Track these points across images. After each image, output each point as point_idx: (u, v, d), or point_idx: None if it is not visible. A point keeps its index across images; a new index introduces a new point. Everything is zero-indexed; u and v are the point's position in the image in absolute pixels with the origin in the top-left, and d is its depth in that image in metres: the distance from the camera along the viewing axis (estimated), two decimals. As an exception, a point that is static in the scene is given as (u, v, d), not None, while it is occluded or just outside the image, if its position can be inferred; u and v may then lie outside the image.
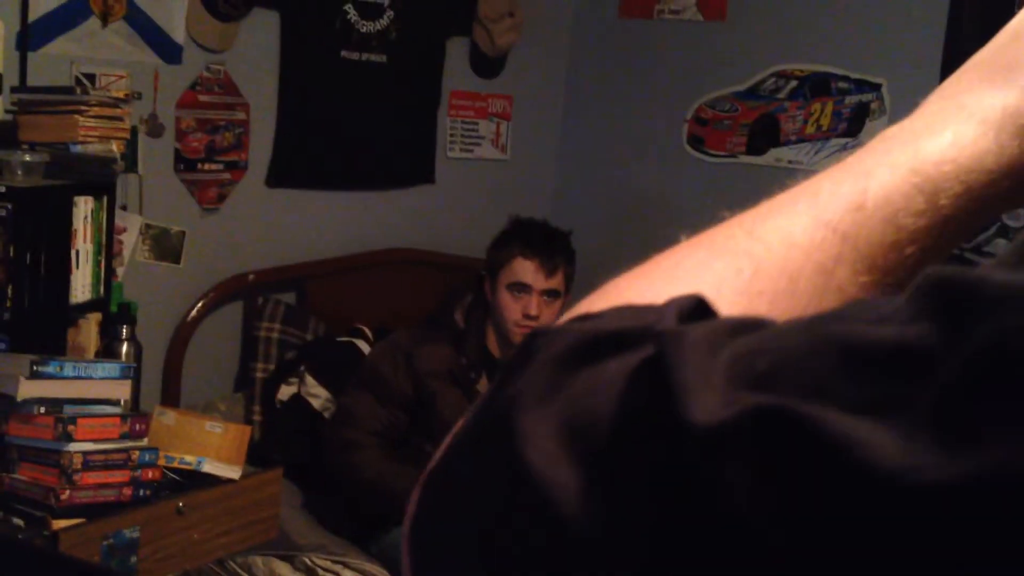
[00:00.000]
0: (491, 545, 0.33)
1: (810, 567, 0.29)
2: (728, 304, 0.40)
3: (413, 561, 0.37)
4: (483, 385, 2.75)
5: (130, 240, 2.86)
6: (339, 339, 3.12)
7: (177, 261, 3.00)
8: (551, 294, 2.76)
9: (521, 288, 2.73)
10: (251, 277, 3.13)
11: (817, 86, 3.31)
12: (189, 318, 3.01)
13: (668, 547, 0.30)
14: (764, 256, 0.43)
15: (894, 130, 0.47)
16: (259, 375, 3.06)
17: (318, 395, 2.95)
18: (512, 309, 2.72)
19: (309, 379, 2.97)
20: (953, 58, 2.95)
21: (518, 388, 0.35)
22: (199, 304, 3.02)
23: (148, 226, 2.91)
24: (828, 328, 0.32)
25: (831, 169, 0.46)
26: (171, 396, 2.97)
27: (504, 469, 0.33)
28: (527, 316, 2.72)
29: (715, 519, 0.29)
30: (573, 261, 2.84)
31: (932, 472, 0.28)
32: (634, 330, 0.35)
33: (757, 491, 0.29)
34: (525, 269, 2.73)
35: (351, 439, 2.67)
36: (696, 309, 0.37)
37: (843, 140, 3.24)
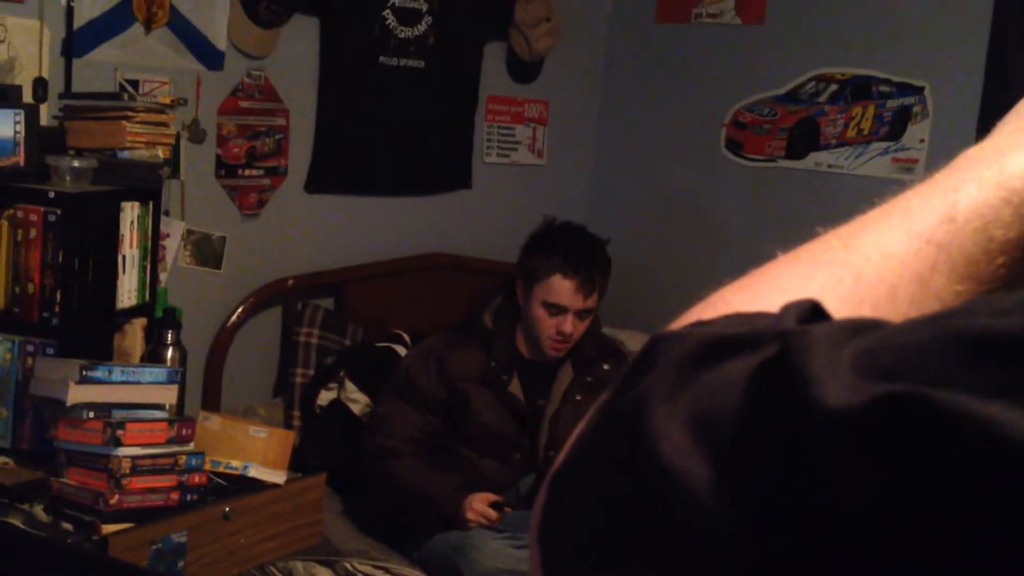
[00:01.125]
0: (623, 538, 0.35)
1: (947, 548, 0.30)
2: (832, 312, 0.42)
3: (544, 560, 0.38)
4: (515, 386, 2.74)
5: (173, 246, 2.87)
6: (378, 344, 3.12)
7: (218, 267, 3.01)
8: (586, 312, 2.74)
9: (558, 308, 2.70)
10: (290, 282, 3.14)
11: (858, 89, 3.28)
12: (229, 323, 3.02)
13: (796, 533, 0.31)
14: (863, 267, 0.44)
15: (975, 150, 0.48)
16: (298, 380, 3.07)
17: (357, 400, 2.95)
18: (547, 324, 2.70)
19: (349, 384, 2.97)
20: (997, 61, 2.93)
21: (644, 388, 0.36)
22: (239, 309, 3.03)
23: (190, 232, 2.93)
24: (950, 323, 0.34)
25: (918, 186, 0.48)
26: (212, 401, 2.98)
27: (636, 463, 0.34)
28: (561, 332, 2.70)
29: (844, 504, 0.31)
30: (609, 272, 2.80)
31: None
32: (752, 333, 0.37)
33: (890, 476, 0.30)
34: (564, 289, 2.68)
35: (387, 446, 2.67)
36: (812, 313, 0.38)
37: (884, 144, 3.22)
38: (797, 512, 0.31)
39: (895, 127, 3.21)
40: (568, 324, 2.69)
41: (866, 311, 0.43)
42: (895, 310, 0.43)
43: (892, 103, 3.22)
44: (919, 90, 3.16)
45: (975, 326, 0.33)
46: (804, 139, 3.38)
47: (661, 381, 0.36)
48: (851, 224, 0.47)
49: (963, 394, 0.30)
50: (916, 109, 3.16)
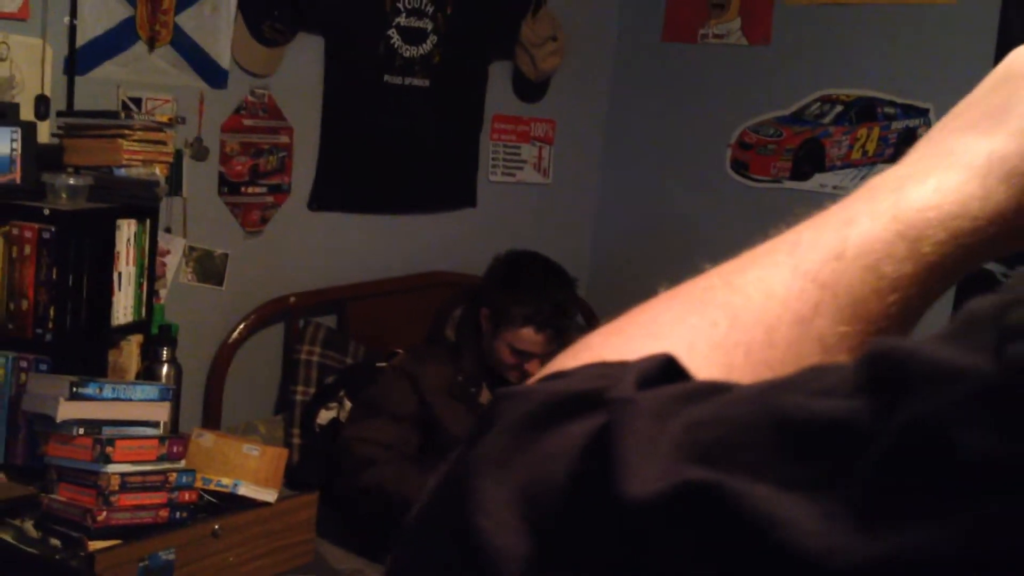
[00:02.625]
0: None
1: None
2: (703, 357, 0.40)
3: None
4: (485, 398, 2.75)
5: (174, 262, 2.88)
6: (378, 364, 3.12)
7: (220, 283, 3.02)
8: (551, 354, 2.74)
9: (526, 355, 2.72)
10: (292, 300, 3.15)
11: (863, 111, 3.27)
12: (230, 340, 3.03)
13: None
14: (742, 307, 0.42)
15: (879, 178, 0.46)
16: (299, 398, 3.07)
17: (357, 419, 2.95)
18: (510, 363, 2.74)
19: (348, 405, 2.97)
20: (1002, 83, 2.91)
21: (479, 452, 0.35)
22: (241, 326, 3.04)
23: (192, 248, 2.94)
24: (772, 399, 0.32)
25: (814, 218, 0.46)
26: (212, 417, 2.99)
27: (459, 534, 0.33)
28: (523, 371, 2.71)
29: None
30: (577, 311, 2.83)
31: (847, 555, 0.27)
32: (596, 394, 0.35)
33: (685, 565, 0.29)
34: (535, 342, 2.70)
35: (365, 456, 2.65)
36: (663, 369, 0.36)
37: (889, 166, 3.18)
38: None
39: (900, 149, 3.19)
40: (534, 366, 2.70)
41: (739, 356, 0.41)
42: (772, 354, 0.41)
43: (897, 125, 3.20)
44: (924, 112, 3.14)
45: (790, 406, 0.31)
46: (809, 160, 3.37)
47: (495, 445, 0.35)
48: (739, 259, 0.45)
49: (764, 485, 0.29)
50: (921, 131, 3.15)
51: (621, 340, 0.43)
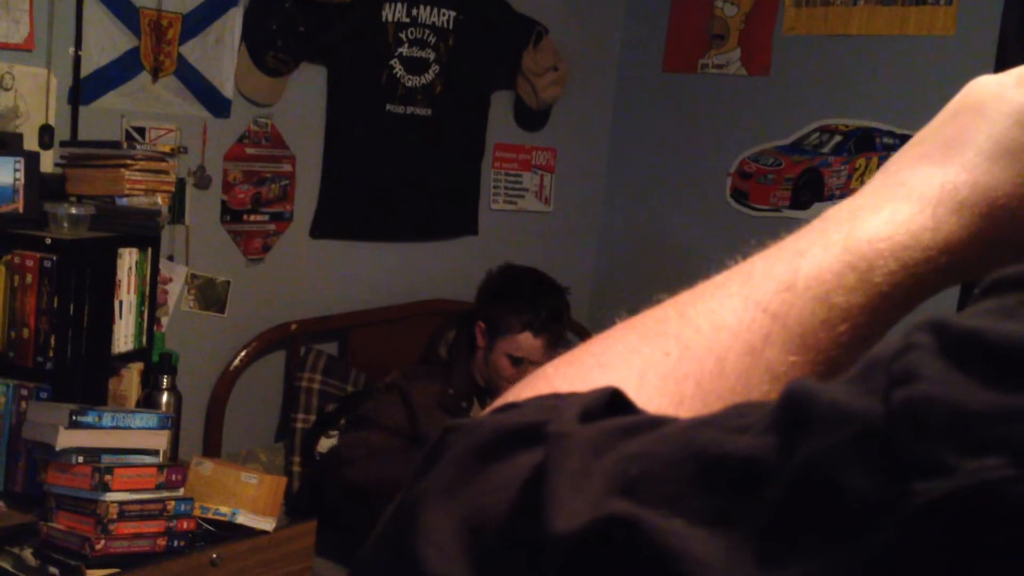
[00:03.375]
0: None
1: None
2: (654, 388, 0.41)
3: None
4: (475, 412, 2.77)
5: (175, 290, 2.90)
6: (379, 390, 3.13)
7: (222, 311, 3.04)
8: None
9: (523, 361, 2.76)
10: (294, 327, 3.16)
11: (862, 141, 3.29)
12: (232, 367, 3.04)
13: None
14: (693, 338, 0.43)
15: (833, 210, 0.47)
16: (299, 426, 3.08)
17: (357, 447, 2.96)
18: (508, 373, 2.77)
19: (348, 431, 2.98)
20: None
21: (427, 483, 0.36)
22: (242, 353, 3.06)
23: (194, 276, 2.96)
24: (695, 435, 0.33)
25: (768, 249, 0.47)
26: (212, 444, 3.00)
27: (406, 562, 0.34)
28: None
29: None
30: (569, 317, 2.89)
31: None
32: (542, 424, 0.36)
33: None
34: (532, 347, 2.76)
35: (348, 456, 2.66)
36: (608, 402, 0.37)
37: (888, 195, 3.21)
38: None
39: (899, 179, 3.21)
40: None
41: (690, 387, 0.41)
42: (723, 385, 0.42)
43: (896, 155, 3.22)
44: (922, 142, 3.15)
45: (709, 442, 0.32)
46: (808, 190, 3.39)
47: (443, 476, 0.36)
48: (694, 290, 0.46)
49: (679, 520, 0.30)
50: (919, 161, 3.16)
51: (574, 370, 0.43)
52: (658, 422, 0.36)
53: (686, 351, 0.42)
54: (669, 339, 0.43)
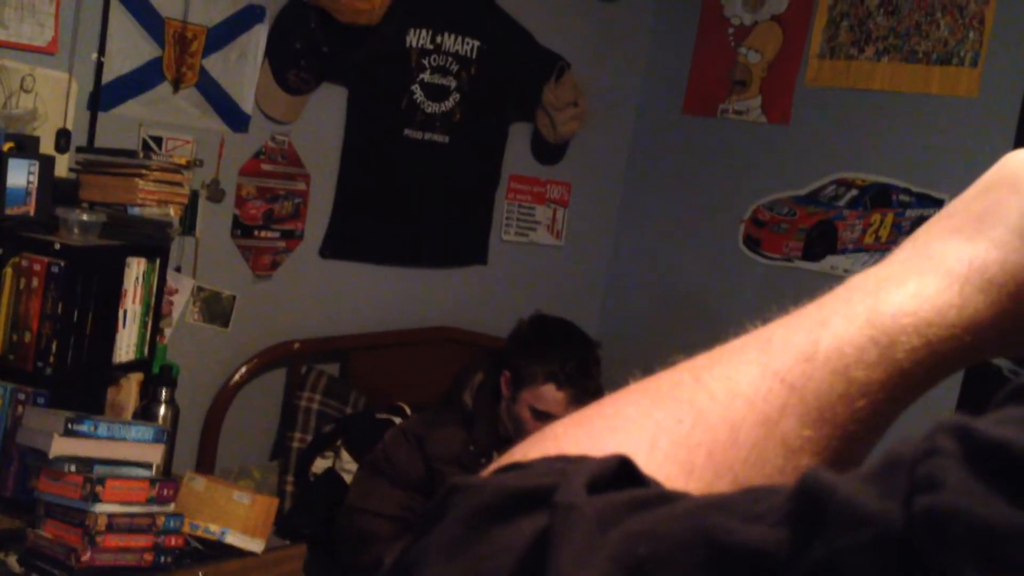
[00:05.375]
0: None
1: None
2: (665, 455, 0.40)
3: None
4: None
5: (181, 301, 2.89)
6: (378, 415, 3.10)
7: (226, 325, 3.03)
8: None
9: (547, 416, 2.63)
10: (296, 346, 3.15)
11: (878, 196, 3.28)
12: (231, 382, 3.03)
13: None
14: (707, 405, 0.42)
15: (859, 278, 0.46)
16: (296, 445, 3.06)
17: (352, 471, 2.93)
18: (531, 427, 2.62)
19: (345, 454, 2.95)
20: (1019, 179, 2.91)
21: (428, 542, 0.35)
22: (243, 369, 3.04)
23: (200, 289, 2.95)
24: (706, 519, 0.32)
25: (788, 316, 0.45)
26: (207, 458, 2.98)
27: None
28: None
29: None
30: (599, 373, 2.72)
31: None
32: (548, 489, 0.35)
33: None
34: (556, 400, 2.61)
35: (368, 531, 2.59)
36: (617, 472, 0.36)
37: (902, 253, 3.20)
38: None
39: (913, 237, 3.19)
40: None
41: (701, 456, 0.41)
42: (735, 455, 0.41)
43: (911, 213, 3.21)
44: (939, 202, 3.14)
45: (720, 529, 0.32)
46: (822, 241, 3.37)
47: (445, 535, 0.35)
48: (711, 353, 0.45)
49: None
50: (935, 221, 3.15)
51: (584, 432, 0.43)
52: (668, 497, 0.35)
53: (700, 418, 0.42)
54: (683, 405, 0.42)
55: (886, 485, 0.30)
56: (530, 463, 0.39)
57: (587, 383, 2.66)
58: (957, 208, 0.47)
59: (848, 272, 3.27)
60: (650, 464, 0.39)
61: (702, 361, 0.45)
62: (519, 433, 2.67)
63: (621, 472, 0.36)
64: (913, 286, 0.44)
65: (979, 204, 0.46)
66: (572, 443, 0.41)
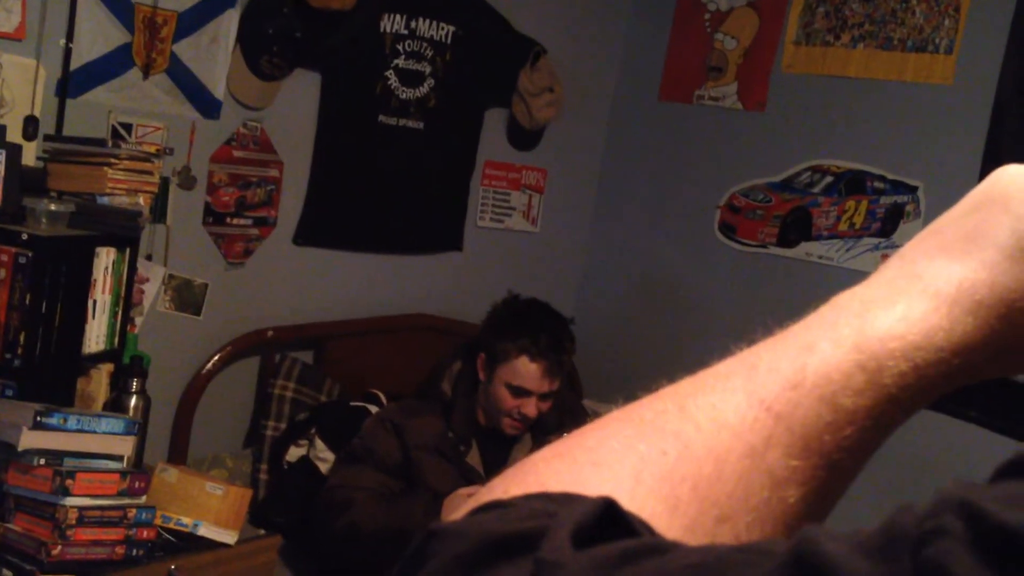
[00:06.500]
0: None
1: None
2: (649, 491, 0.39)
3: None
4: (473, 456, 2.70)
5: (152, 290, 2.86)
6: (352, 403, 3.09)
7: (197, 313, 3.00)
8: (550, 395, 2.70)
9: (522, 391, 2.66)
10: (270, 333, 3.13)
11: (852, 183, 3.28)
12: (204, 370, 3.00)
13: None
14: (693, 437, 0.41)
15: (845, 297, 0.45)
16: (270, 433, 3.04)
17: (326, 459, 2.92)
18: (508, 405, 2.65)
19: (319, 443, 2.94)
20: (992, 166, 2.92)
21: None
22: (215, 357, 3.02)
23: (171, 277, 2.92)
24: None
25: (774, 338, 0.44)
26: (179, 447, 2.95)
27: None
28: (521, 414, 2.66)
29: None
30: (574, 351, 2.76)
31: None
32: (531, 536, 0.34)
33: None
34: (530, 373, 2.63)
35: (344, 499, 2.57)
36: (602, 518, 0.35)
37: (876, 240, 3.21)
38: None
39: (887, 224, 3.20)
40: (531, 407, 2.65)
41: (686, 491, 0.40)
42: (720, 490, 0.40)
43: (885, 200, 3.21)
44: (913, 189, 3.15)
45: None
46: (796, 228, 3.38)
47: None
48: (695, 379, 0.44)
49: None
50: (909, 208, 3.16)
51: (566, 466, 0.41)
52: (656, 548, 0.34)
53: (685, 451, 0.41)
54: (667, 436, 0.41)
55: (889, 567, 0.29)
56: (511, 502, 0.38)
57: (560, 356, 2.68)
58: (945, 225, 0.46)
59: (823, 259, 3.29)
60: (634, 500, 0.38)
61: (687, 388, 0.44)
62: (497, 414, 2.68)
63: (606, 517, 0.35)
64: (901, 308, 0.43)
65: (968, 222, 0.45)
66: (554, 479, 0.40)
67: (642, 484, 0.39)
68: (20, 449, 2.00)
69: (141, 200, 2.35)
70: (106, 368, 2.39)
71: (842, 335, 0.42)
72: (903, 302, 0.43)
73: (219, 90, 2.91)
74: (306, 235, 3.22)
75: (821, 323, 0.44)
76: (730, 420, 0.41)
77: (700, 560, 0.33)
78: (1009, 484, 0.31)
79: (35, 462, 2.01)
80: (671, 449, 0.41)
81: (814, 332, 0.43)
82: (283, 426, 3.05)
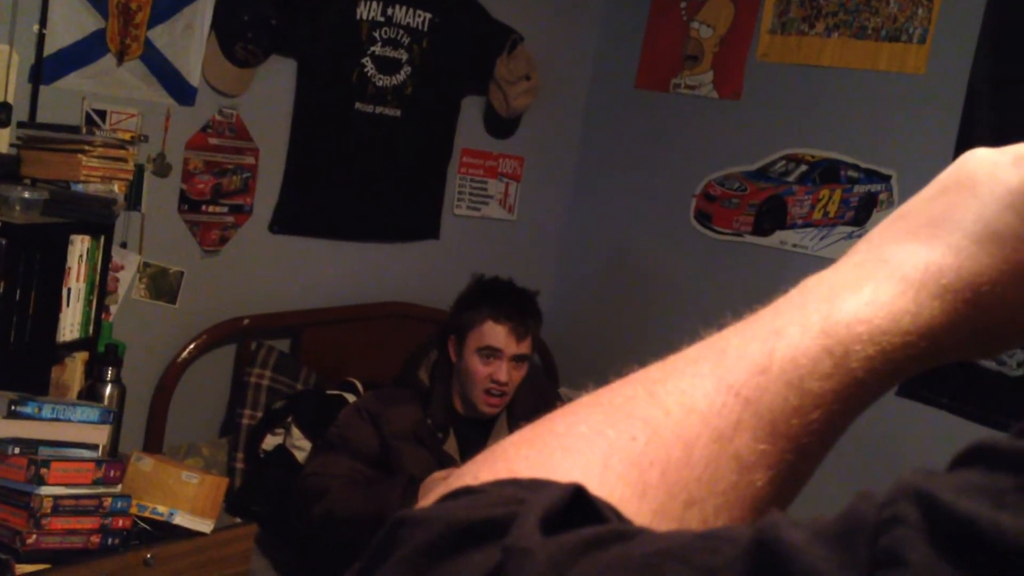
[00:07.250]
0: None
1: None
2: (617, 476, 0.40)
3: None
4: (451, 444, 2.71)
5: (127, 278, 2.85)
6: (329, 392, 3.09)
7: (173, 301, 2.99)
8: (520, 358, 2.72)
9: (492, 352, 2.67)
10: (246, 322, 3.12)
11: (827, 172, 3.30)
12: (179, 359, 2.99)
13: None
14: (662, 422, 0.41)
15: (813, 282, 0.45)
16: (246, 422, 3.04)
17: (302, 448, 2.92)
18: (481, 373, 2.67)
19: (295, 431, 2.94)
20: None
21: None
22: (191, 345, 3.01)
23: (146, 265, 2.91)
24: (661, 567, 0.32)
25: (743, 323, 0.45)
26: (155, 436, 2.95)
27: None
28: (496, 381, 2.67)
29: None
30: (540, 321, 2.80)
31: None
32: (500, 523, 0.34)
33: None
34: (496, 334, 2.67)
35: (320, 487, 2.55)
36: (570, 505, 0.36)
37: (849, 228, 3.23)
38: None
39: (860, 213, 3.22)
40: (503, 371, 2.66)
41: (655, 475, 0.40)
42: (689, 474, 0.40)
43: (859, 189, 3.23)
44: (886, 178, 3.17)
45: None
46: (771, 216, 3.40)
47: (393, 574, 0.34)
48: (664, 364, 0.45)
49: None
50: (883, 197, 3.18)
51: (535, 452, 0.42)
52: (623, 534, 0.34)
53: (654, 436, 0.41)
54: (636, 421, 0.42)
55: (847, 555, 0.29)
56: (481, 488, 0.38)
57: (526, 320, 2.71)
58: (913, 209, 0.47)
59: (798, 247, 3.30)
60: (603, 486, 0.38)
61: (656, 373, 0.44)
62: (473, 390, 2.68)
63: (575, 503, 0.36)
64: (868, 292, 0.43)
65: (936, 206, 0.46)
66: (524, 464, 0.41)
67: (611, 469, 0.40)
68: (-6, 438, 1.99)
69: (116, 187, 2.34)
70: (81, 356, 2.38)
71: (810, 320, 0.43)
72: (870, 286, 0.44)
73: (194, 77, 2.90)
74: (282, 223, 3.21)
75: (790, 307, 0.44)
76: (699, 405, 0.42)
77: (664, 546, 0.33)
78: (966, 472, 0.31)
79: (10, 451, 2.00)
80: (640, 434, 0.41)
81: (783, 317, 0.44)
82: (259, 414, 3.04)
